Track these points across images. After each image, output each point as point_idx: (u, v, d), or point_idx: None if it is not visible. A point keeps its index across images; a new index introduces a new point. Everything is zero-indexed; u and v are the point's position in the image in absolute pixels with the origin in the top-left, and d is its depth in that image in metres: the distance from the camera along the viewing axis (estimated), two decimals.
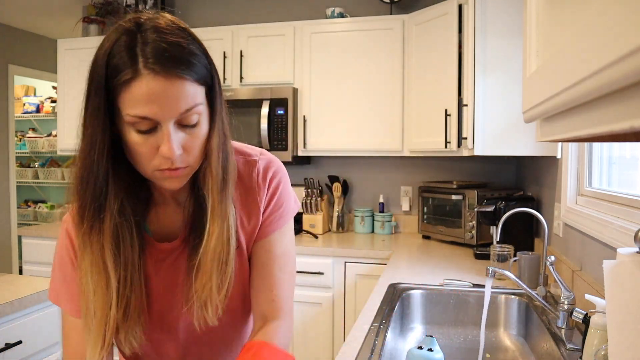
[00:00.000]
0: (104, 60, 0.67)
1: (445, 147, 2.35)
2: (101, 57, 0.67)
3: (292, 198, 0.91)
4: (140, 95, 0.65)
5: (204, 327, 0.81)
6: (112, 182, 0.72)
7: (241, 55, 2.88)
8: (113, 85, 0.66)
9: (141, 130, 0.68)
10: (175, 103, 0.66)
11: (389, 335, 1.29)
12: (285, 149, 2.73)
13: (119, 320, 0.76)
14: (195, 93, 0.68)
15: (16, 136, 4.68)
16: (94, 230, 0.73)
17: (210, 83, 0.73)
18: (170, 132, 0.67)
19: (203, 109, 0.71)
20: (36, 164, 5.11)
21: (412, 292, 1.64)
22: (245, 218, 0.85)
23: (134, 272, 0.77)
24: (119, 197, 0.74)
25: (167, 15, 0.73)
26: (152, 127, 0.68)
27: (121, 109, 0.67)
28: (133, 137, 0.69)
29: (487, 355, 1.48)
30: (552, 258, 1.35)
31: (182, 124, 0.69)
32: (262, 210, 0.85)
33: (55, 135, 4.70)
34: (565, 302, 1.27)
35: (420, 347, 1.03)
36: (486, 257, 2.12)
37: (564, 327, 1.27)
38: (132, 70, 0.64)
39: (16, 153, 4.51)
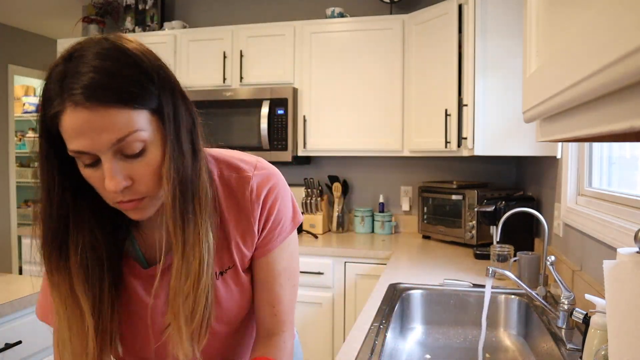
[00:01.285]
0: (41, 92, 0.64)
1: (445, 147, 2.35)
2: (42, 89, 0.65)
3: (291, 212, 0.86)
4: (70, 130, 0.62)
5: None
6: (74, 219, 0.70)
7: (241, 55, 2.88)
8: (49, 119, 0.63)
9: (86, 164, 0.65)
10: (104, 134, 0.62)
11: (389, 335, 1.29)
12: (285, 149, 2.73)
13: (97, 353, 0.74)
14: (128, 120, 0.63)
15: (16, 136, 4.67)
16: (59, 269, 0.71)
17: (156, 106, 0.66)
18: (109, 165, 0.64)
19: (147, 135, 0.65)
20: (36, 164, 5.10)
21: (412, 292, 1.64)
22: (239, 238, 0.81)
23: (107, 304, 0.74)
24: (85, 230, 0.71)
25: (111, 38, 0.66)
26: (94, 161, 0.65)
27: (66, 141, 0.64)
28: (83, 171, 0.66)
29: (487, 355, 1.48)
30: (552, 258, 1.35)
31: (124, 154, 0.65)
32: (257, 230, 0.81)
33: None
34: (565, 302, 1.27)
35: None
36: (486, 257, 2.12)
37: (564, 327, 1.27)
38: (58, 103, 0.61)
39: (16, 153, 4.51)
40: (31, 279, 1.76)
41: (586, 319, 1.04)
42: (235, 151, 0.87)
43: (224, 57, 2.90)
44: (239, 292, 0.84)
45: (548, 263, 1.35)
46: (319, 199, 2.91)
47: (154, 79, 0.67)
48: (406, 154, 2.70)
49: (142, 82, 0.65)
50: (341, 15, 2.91)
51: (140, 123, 0.64)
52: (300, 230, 2.87)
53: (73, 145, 0.63)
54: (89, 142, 0.62)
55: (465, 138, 2.13)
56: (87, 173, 0.66)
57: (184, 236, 0.71)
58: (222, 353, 0.90)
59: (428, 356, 1.48)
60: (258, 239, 0.83)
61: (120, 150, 0.64)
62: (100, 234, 0.73)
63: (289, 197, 0.86)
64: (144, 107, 0.65)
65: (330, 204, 3.03)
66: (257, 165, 0.84)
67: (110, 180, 0.64)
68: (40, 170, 0.69)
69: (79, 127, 0.61)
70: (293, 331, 0.90)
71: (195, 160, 0.73)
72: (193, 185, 0.71)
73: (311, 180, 2.95)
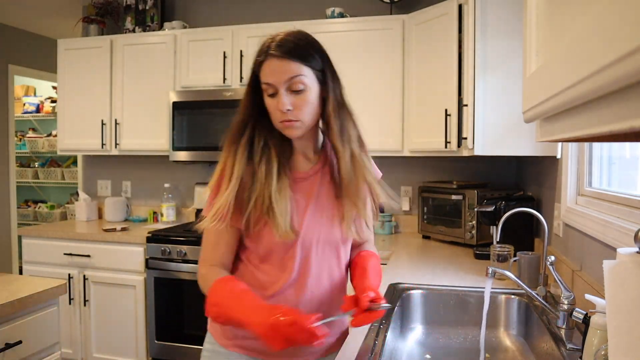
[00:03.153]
0: (255, 53, 1.08)
1: (445, 147, 2.35)
2: (256, 52, 1.09)
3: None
4: (267, 69, 1.05)
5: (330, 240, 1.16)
6: (251, 122, 1.11)
7: (241, 55, 2.88)
8: (256, 69, 1.08)
9: (269, 94, 1.06)
10: (283, 74, 1.04)
11: (389, 335, 1.29)
12: None
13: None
14: (297, 68, 1.04)
15: (16, 136, 4.68)
16: (233, 142, 1.10)
17: (322, 70, 1.09)
18: (282, 94, 1.05)
19: (308, 81, 1.06)
20: (36, 164, 5.11)
21: (412, 292, 1.64)
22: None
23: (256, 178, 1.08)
24: (262, 135, 1.10)
25: (299, 29, 1.12)
26: (274, 92, 1.05)
27: (260, 80, 1.07)
28: (267, 100, 1.08)
29: (487, 355, 1.48)
30: (552, 258, 1.35)
31: (292, 90, 1.05)
32: None
33: (55, 135, 4.70)
34: (565, 302, 1.27)
35: None
36: (486, 257, 2.12)
37: (564, 327, 1.27)
38: (262, 56, 1.06)
39: (16, 153, 4.51)
40: (31, 279, 1.76)
41: (586, 319, 1.04)
42: None
43: (224, 57, 2.90)
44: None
45: (548, 263, 1.35)
46: None
47: (319, 53, 1.10)
48: (406, 154, 2.70)
49: (311, 51, 1.08)
50: (341, 15, 2.91)
51: (304, 72, 1.05)
52: None
53: (266, 79, 1.05)
54: (274, 77, 1.04)
55: (465, 138, 2.13)
56: (268, 101, 1.07)
57: (344, 147, 1.14)
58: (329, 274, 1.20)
59: (428, 356, 1.48)
60: None
61: (290, 87, 1.05)
62: (275, 147, 1.10)
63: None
64: (309, 64, 1.06)
65: None
66: None
67: (281, 102, 1.04)
68: (244, 96, 1.11)
69: (271, 68, 1.04)
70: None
71: (341, 108, 1.14)
72: (346, 121, 1.15)
73: None
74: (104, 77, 3.12)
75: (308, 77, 1.06)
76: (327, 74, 1.10)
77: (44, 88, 5.30)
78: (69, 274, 2.84)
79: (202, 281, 1.11)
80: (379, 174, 1.27)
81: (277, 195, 1.07)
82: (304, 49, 1.06)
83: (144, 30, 3.31)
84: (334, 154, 1.16)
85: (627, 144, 1.40)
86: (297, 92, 1.05)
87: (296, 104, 1.05)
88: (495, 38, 2.05)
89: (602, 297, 0.83)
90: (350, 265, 1.25)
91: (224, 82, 2.90)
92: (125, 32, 3.33)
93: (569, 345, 1.17)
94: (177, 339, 2.69)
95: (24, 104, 5.09)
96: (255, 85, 1.09)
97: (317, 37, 1.13)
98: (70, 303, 2.87)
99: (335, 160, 1.16)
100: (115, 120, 3.10)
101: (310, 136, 1.16)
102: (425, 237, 2.76)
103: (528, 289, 1.35)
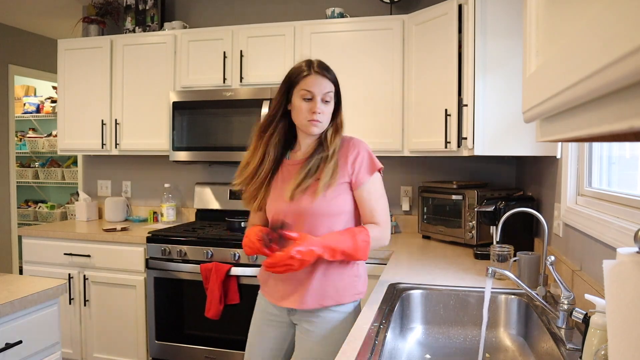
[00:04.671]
0: (291, 69, 1.51)
1: (445, 147, 2.35)
2: (291, 69, 1.51)
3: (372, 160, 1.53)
4: (310, 81, 1.45)
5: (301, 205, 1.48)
6: (277, 120, 1.52)
7: (241, 55, 2.88)
8: (295, 79, 1.47)
9: (305, 99, 1.45)
10: (323, 88, 1.46)
11: (389, 335, 1.29)
12: None
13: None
14: (330, 87, 1.48)
15: (16, 136, 4.68)
16: (265, 132, 1.53)
17: (337, 89, 1.52)
18: (317, 101, 1.45)
19: (332, 97, 1.49)
20: (36, 164, 5.11)
21: (412, 292, 1.64)
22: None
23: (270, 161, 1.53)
24: (280, 129, 1.53)
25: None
26: (310, 98, 1.45)
27: (298, 88, 1.46)
28: (300, 103, 1.46)
29: (487, 355, 1.48)
30: (552, 258, 1.35)
31: (323, 100, 1.46)
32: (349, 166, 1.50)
33: (55, 135, 4.71)
34: (565, 302, 1.27)
35: None
36: (486, 257, 2.12)
37: (564, 327, 1.27)
38: (307, 71, 1.46)
39: (16, 153, 4.51)
40: (31, 279, 1.76)
41: (586, 319, 1.04)
42: None
43: (224, 57, 2.90)
44: (343, 199, 1.51)
45: (548, 263, 1.35)
46: None
47: (337, 80, 1.52)
48: (406, 154, 2.70)
49: (335, 77, 1.51)
50: (341, 15, 2.91)
51: (332, 90, 1.49)
52: None
53: (308, 87, 1.45)
54: (316, 88, 1.45)
55: (465, 138, 2.13)
56: (302, 104, 1.46)
57: (333, 144, 1.49)
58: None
59: (428, 356, 1.48)
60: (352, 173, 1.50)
61: (323, 97, 1.46)
62: (282, 139, 1.54)
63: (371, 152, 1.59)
64: (335, 85, 1.50)
65: None
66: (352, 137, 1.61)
67: (317, 107, 1.44)
68: (277, 97, 1.51)
69: (314, 81, 1.45)
70: (387, 231, 1.55)
71: (342, 122, 1.57)
72: (340, 130, 1.55)
73: None
74: (104, 77, 3.12)
75: (333, 94, 1.49)
76: (340, 96, 1.54)
77: (44, 88, 5.30)
78: (69, 274, 2.84)
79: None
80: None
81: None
82: (333, 74, 1.51)
83: (144, 31, 3.31)
84: (326, 146, 1.51)
85: (627, 144, 1.40)
86: (326, 102, 1.47)
87: (323, 111, 1.47)
88: (495, 38, 2.05)
89: (602, 297, 0.83)
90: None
91: (223, 82, 2.90)
92: (125, 32, 3.33)
93: (568, 345, 1.17)
94: (177, 339, 2.69)
95: (24, 104, 5.08)
96: (285, 91, 1.49)
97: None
98: (70, 303, 2.87)
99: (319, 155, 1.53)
100: (116, 120, 3.10)
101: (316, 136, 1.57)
102: (425, 237, 2.76)
103: (528, 289, 1.35)
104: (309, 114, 1.44)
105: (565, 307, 1.27)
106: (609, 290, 0.56)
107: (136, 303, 2.76)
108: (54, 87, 4.63)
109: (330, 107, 1.48)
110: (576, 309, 1.15)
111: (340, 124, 1.54)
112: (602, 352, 0.85)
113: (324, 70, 1.47)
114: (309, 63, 1.47)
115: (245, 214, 3.11)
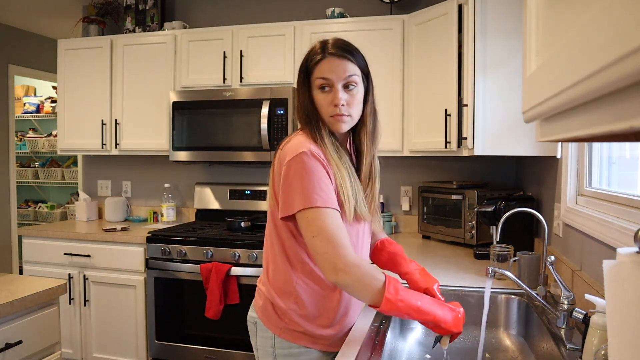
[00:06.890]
0: (306, 55, 1.20)
1: (445, 147, 2.35)
2: (306, 55, 1.20)
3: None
4: (325, 67, 1.15)
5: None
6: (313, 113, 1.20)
7: (241, 55, 2.88)
8: (310, 66, 1.18)
9: (323, 89, 1.16)
10: (342, 72, 1.15)
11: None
12: None
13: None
14: (353, 69, 1.16)
15: (16, 136, 4.68)
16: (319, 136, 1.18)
17: (366, 73, 1.21)
18: (338, 89, 1.15)
19: (359, 80, 1.17)
20: (36, 164, 5.10)
21: None
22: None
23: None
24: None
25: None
26: (330, 88, 1.16)
27: (314, 77, 1.17)
28: (318, 94, 1.17)
29: (487, 355, 1.48)
30: (552, 258, 1.35)
31: (346, 87, 1.16)
32: None
33: (55, 135, 4.71)
34: (565, 302, 1.27)
35: None
36: (486, 257, 2.12)
37: (564, 327, 1.27)
38: (320, 55, 1.16)
39: (16, 153, 4.51)
40: (31, 279, 1.76)
41: (586, 319, 1.04)
42: None
43: (224, 57, 2.90)
44: None
45: (548, 263, 1.35)
46: None
47: (364, 59, 1.21)
48: (406, 154, 2.70)
49: (360, 55, 1.20)
50: (341, 15, 2.91)
51: (357, 72, 1.17)
52: None
53: (323, 74, 1.15)
54: (333, 74, 1.15)
55: (465, 138, 2.13)
56: (320, 96, 1.17)
57: (371, 148, 1.24)
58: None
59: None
60: None
61: (345, 84, 1.16)
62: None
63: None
64: (359, 66, 1.18)
65: None
66: None
67: (337, 98, 1.14)
68: (299, 91, 1.21)
69: (330, 65, 1.15)
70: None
71: (375, 111, 1.26)
72: (377, 124, 1.26)
73: None
74: (104, 77, 3.12)
75: (359, 77, 1.18)
76: (369, 78, 1.23)
77: (44, 88, 5.30)
78: (69, 274, 2.84)
79: (360, 269, 1.06)
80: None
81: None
82: (356, 52, 1.19)
83: (144, 30, 3.31)
84: (356, 150, 1.27)
85: (627, 144, 1.40)
86: (350, 89, 1.16)
87: (348, 101, 1.16)
88: (495, 38, 2.05)
89: (602, 297, 0.83)
90: (383, 251, 1.50)
91: (223, 82, 2.90)
92: (126, 32, 3.33)
93: (568, 345, 1.17)
94: (177, 339, 2.69)
95: (24, 104, 5.08)
96: (303, 82, 1.20)
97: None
98: (70, 303, 2.87)
99: (354, 156, 1.28)
100: (116, 120, 3.10)
101: (347, 132, 1.24)
102: (425, 237, 2.75)
103: (528, 289, 1.35)
104: (330, 107, 1.15)
105: (565, 307, 1.27)
106: (609, 290, 0.56)
107: (136, 303, 2.76)
108: (54, 87, 4.63)
109: (357, 94, 1.17)
110: (576, 309, 1.15)
111: (369, 120, 1.22)
112: (602, 352, 0.85)
113: (341, 50, 1.15)
114: (324, 44, 1.17)
115: (245, 214, 3.12)
